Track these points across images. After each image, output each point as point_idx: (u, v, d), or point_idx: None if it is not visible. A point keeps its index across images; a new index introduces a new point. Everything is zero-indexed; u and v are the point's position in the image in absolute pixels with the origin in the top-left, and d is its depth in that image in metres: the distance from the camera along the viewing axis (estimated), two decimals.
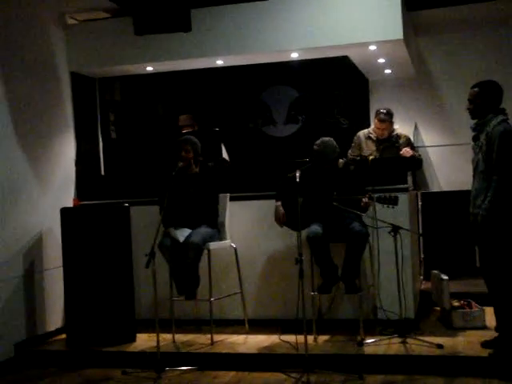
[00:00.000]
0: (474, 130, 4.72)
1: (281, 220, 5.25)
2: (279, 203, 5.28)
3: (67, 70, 6.60)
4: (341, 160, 5.35)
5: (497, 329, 4.71)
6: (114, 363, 5.17)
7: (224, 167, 6.27)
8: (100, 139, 7.21)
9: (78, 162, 6.58)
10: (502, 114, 4.61)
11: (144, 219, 5.91)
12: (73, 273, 5.58)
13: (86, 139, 6.84)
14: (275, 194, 5.38)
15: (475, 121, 4.71)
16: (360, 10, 6.04)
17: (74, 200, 6.33)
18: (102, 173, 7.14)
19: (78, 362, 5.30)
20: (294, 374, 4.61)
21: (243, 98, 8.38)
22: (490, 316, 5.19)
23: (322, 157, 5.21)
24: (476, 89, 4.68)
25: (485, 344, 4.73)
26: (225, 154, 6.80)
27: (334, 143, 5.27)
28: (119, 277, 5.53)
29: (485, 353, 4.62)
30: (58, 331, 5.98)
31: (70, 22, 6.63)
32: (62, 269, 5.69)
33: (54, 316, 6.02)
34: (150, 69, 6.94)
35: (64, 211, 5.66)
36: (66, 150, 6.47)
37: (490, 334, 4.87)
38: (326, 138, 5.29)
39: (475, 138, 4.72)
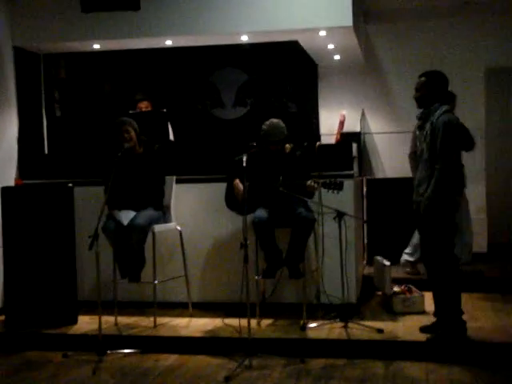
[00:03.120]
0: (419, 119, 4.80)
1: (240, 195, 5.15)
2: (237, 180, 5.22)
3: (10, 45, 6.41)
4: (287, 145, 5.35)
5: (435, 314, 4.83)
6: (55, 346, 5.10)
7: (170, 149, 6.21)
8: (44, 117, 7.04)
9: (20, 141, 6.42)
10: (446, 104, 4.69)
11: (88, 200, 5.82)
12: (13, 253, 5.46)
13: (29, 117, 6.67)
14: (226, 176, 5.35)
15: (421, 110, 4.78)
16: None
17: (16, 180, 6.18)
18: (46, 152, 6.98)
19: (17, 344, 5.19)
20: (236, 358, 4.62)
21: (192, 80, 8.30)
22: (429, 301, 5.32)
23: (269, 137, 5.21)
24: (423, 78, 4.74)
25: (423, 329, 4.84)
26: (171, 135, 6.75)
27: (282, 125, 5.26)
28: (61, 258, 5.44)
29: (423, 337, 4.73)
30: None
31: None
32: (1, 249, 5.56)
33: None
34: (96, 47, 6.79)
35: (4, 190, 5.52)
36: (9, 128, 6.30)
37: (429, 319, 5.00)
38: (275, 120, 5.29)
39: (420, 127, 4.80)
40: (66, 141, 7.23)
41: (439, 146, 4.55)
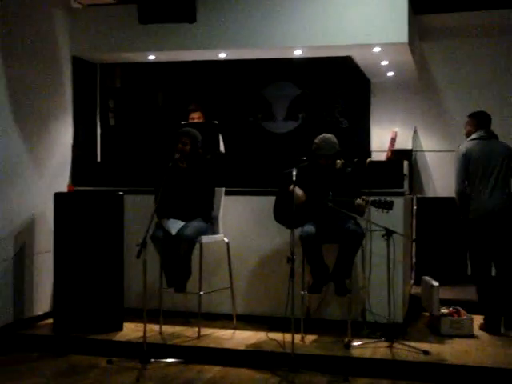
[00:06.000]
0: None
1: (301, 199, 5.15)
2: (291, 186, 5.04)
3: (69, 54, 6.55)
4: (338, 160, 5.32)
5: None
6: (100, 351, 5.15)
7: (221, 161, 6.24)
8: (98, 125, 7.17)
9: (74, 148, 6.55)
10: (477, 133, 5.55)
11: (138, 208, 5.88)
12: (63, 258, 5.56)
13: (84, 125, 6.80)
14: (277, 189, 5.33)
15: None
16: (366, 11, 6.01)
17: (68, 186, 6.30)
18: (99, 159, 7.10)
19: (63, 348, 5.28)
20: (279, 373, 4.60)
21: (244, 92, 8.36)
22: (478, 325, 5.22)
23: (320, 151, 5.19)
24: (468, 118, 5.73)
25: None
26: (221, 147, 6.78)
27: (334, 140, 5.24)
28: (109, 265, 5.51)
29: (471, 361, 4.62)
30: (45, 316, 5.95)
31: (75, 5, 6.58)
32: (52, 253, 5.67)
33: (42, 300, 6.00)
34: (151, 57, 6.89)
35: (58, 196, 5.63)
36: (64, 135, 6.43)
37: (477, 343, 4.88)
38: (328, 135, 5.27)
39: None
40: (118, 149, 7.34)
41: None
